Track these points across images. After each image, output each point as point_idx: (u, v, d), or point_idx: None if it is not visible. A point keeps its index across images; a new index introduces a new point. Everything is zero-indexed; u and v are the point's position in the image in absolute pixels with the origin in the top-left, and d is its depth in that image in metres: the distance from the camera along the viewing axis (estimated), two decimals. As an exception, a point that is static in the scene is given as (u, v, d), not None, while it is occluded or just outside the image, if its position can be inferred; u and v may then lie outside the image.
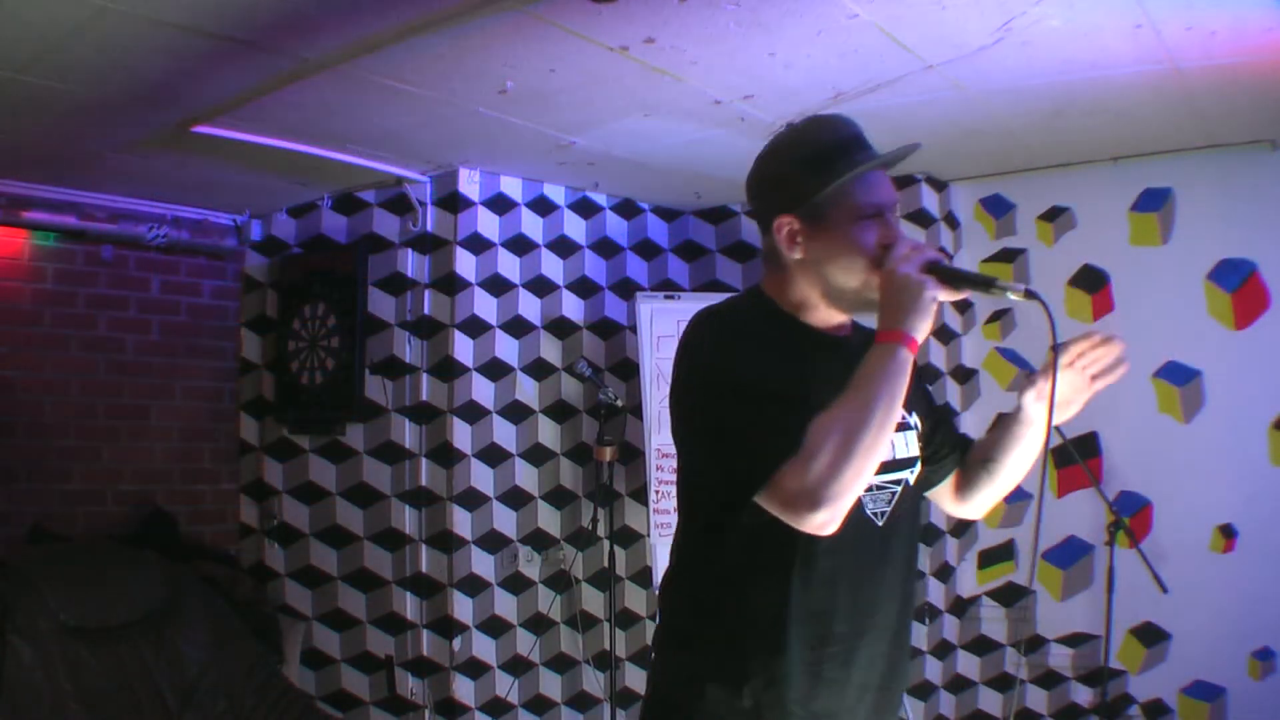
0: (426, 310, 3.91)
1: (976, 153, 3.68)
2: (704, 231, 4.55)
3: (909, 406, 1.63)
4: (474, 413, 3.88)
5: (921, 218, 3.95)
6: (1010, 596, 3.89)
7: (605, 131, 3.36)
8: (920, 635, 3.87)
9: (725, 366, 1.50)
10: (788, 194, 1.56)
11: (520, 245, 4.05)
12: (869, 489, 1.55)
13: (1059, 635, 3.77)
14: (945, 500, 1.81)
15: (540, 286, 4.11)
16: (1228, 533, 3.47)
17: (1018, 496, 3.80)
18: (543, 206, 4.14)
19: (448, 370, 3.85)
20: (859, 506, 1.52)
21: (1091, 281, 3.76)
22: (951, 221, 4.04)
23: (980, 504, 1.77)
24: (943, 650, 3.94)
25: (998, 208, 3.98)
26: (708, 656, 1.55)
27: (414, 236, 3.94)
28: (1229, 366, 3.51)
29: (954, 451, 1.77)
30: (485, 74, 2.79)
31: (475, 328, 3.90)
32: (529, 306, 4.07)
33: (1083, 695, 3.70)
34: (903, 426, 1.62)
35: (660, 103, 3.06)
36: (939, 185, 4.02)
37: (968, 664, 3.96)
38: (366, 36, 2.50)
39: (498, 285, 3.96)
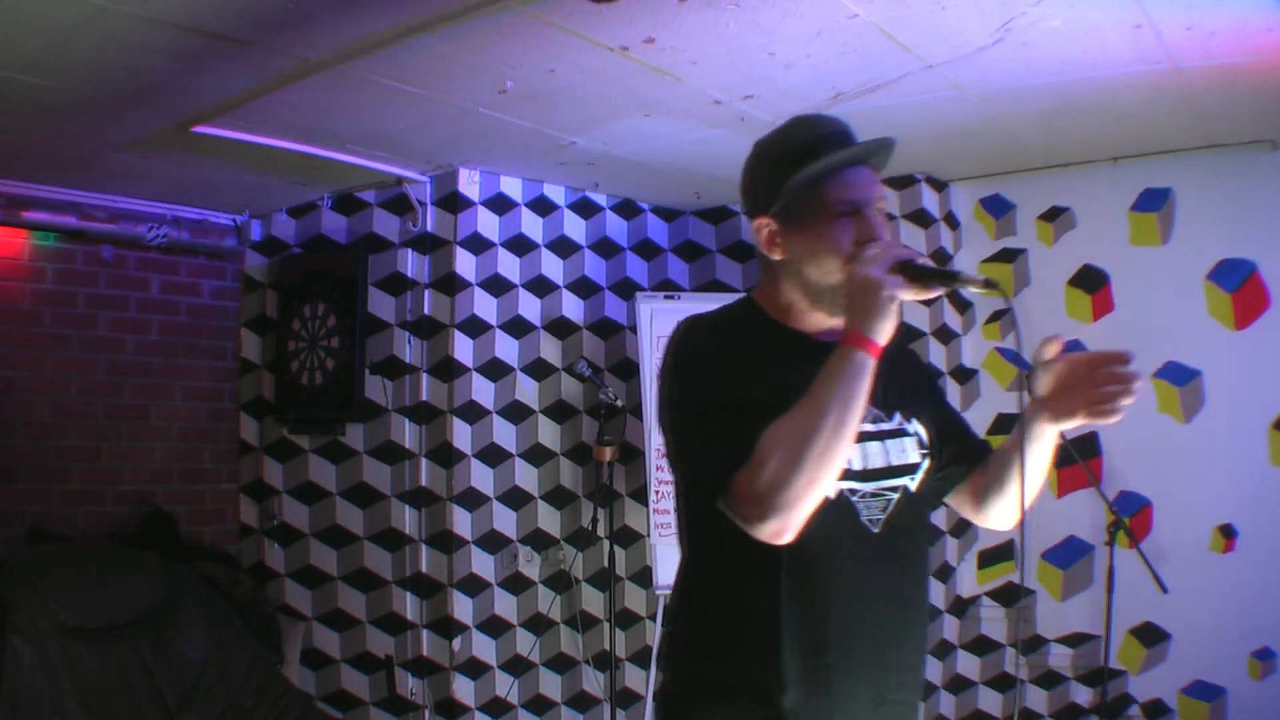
0: (426, 310, 3.91)
1: (976, 153, 3.68)
2: (704, 231, 4.55)
3: (909, 413, 1.60)
4: (474, 413, 3.88)
5: (921, 218, 3.95)
6: (1010, 596, 3.89)
7: (605, 131, 3.36)
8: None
9: (700, 375, 1.49)
10: (763, 195, 1.54)
11: (520, 245, 4.05)
12: (862, 496, 1.51)
13: (1059, 635, 3.77)
14: (967, 511, 1.75)
15: (540, 287, 4.11)
16: (1228, 533, 3.47)
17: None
18: (543, 206, 4.14)
19: (448, 370, 3.85)
20: (854, 513, 1.50)
21: (1091, 281, 3.76)
22: (951, 222, 4.04)
23: (998, 515, 1.69)
24: (942, 650, 3.94)
25: (998, 208, 3.98)
26: (704, 665, 1.53)
27: (414, 236, 3.94)
28: (1229, 366, 3.51)
29: (962, 463, 1.70)
30: (485, 74, 2.79)
31: (475, 328, 3.90)
32: (529, 307, 4.07)
33: (1083, 695, 3.70)
34: (898, 433, 1.58)
35: (660, 103, 3.06)
36: (939, 185, 4.01)
37: (968, 664, 3.96)
38: (366, 36, 2.50)
39: (498, 285, 3.96)
